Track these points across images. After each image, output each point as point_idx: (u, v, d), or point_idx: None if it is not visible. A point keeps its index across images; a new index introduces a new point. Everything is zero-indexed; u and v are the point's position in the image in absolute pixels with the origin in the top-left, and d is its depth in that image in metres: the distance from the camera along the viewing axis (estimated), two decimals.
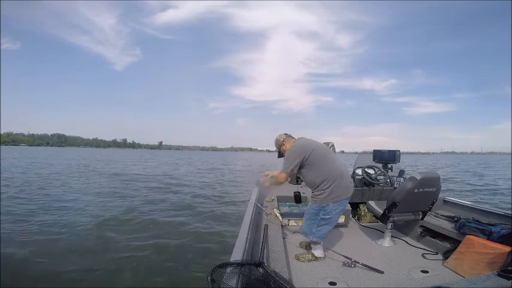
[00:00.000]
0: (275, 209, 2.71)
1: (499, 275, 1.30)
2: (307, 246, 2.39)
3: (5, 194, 7.97)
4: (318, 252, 2.24)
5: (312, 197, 2.21)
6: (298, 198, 3.07)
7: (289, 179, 2.41)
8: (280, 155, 2.38)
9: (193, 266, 3.69)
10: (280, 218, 2.74)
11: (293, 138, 2.34)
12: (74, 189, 9.47)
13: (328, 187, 2.07)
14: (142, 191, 9.52)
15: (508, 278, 1.26)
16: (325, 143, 3.85)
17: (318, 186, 2.12)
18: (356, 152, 4.39)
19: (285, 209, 3.15)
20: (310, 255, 2.24)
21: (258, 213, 2.62)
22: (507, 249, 1.94)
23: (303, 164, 2.13)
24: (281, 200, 3.41)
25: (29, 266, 3.48)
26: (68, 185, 10.45)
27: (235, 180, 13.72)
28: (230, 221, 5.85)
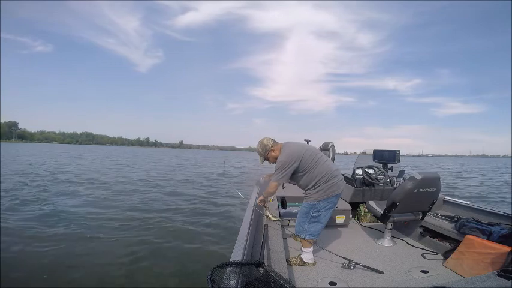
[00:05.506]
0: (266, 211, 2.69)
1: (499, 275, 1.31)
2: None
3: None
4: (306, 256, 2.22)
5: (304, 196, 2.23)
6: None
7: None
8: (266, 160, 2.32)
9: (193, 265, 3.68)
10: (273, 218, 2.72)
11: (279, 143, 2.28)
12: None
13: (320, 185, 2.11)
14: None
15: (508, 278, 1.26)
16: (325, 143, 3.86)
17: (311, 187, 2.16)
18: None
19: (285, 209, 3.14)
20: (298, 260, 2.23)
21: (258, 213, 2.62)
22: (507, 249, 1.94)
23: (295, 171, 2.15)
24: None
25: None
26: None
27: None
28: (229, 221, 5.84)
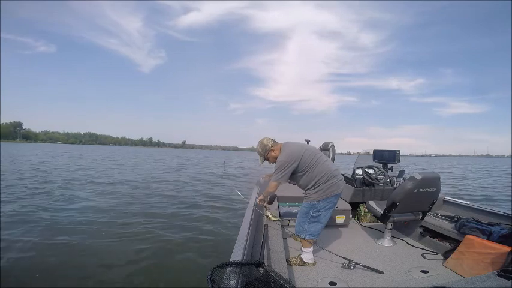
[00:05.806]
0: (267, 211, 2.68)
1: (499, 275, 1.31)
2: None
3: None
4: (306, 256, 2.23)
5: (304, 196, 2.24)
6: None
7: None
8: (266, 160, 2.33)
9: (193, 265, 3.68)
10: (273, 218, 2.71)
11: (278, 143, 2.29)
12: None
13: (320, 185, 2.12)
14: None
15: (508, 278, 1.26)
16: (325, 143, 3.86)
17: (310, 187, 2.16)
18: None
19: (285, 209, 3.15)
20: (298, 260, 2.24)
21: (258, 213, 2.63)
22: (507, 249, 1.94)
23: (294, 171, 2.16)
24: (281, 200, 3.41)
25: None
26: None
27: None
28: (230, 221, 5.83)
